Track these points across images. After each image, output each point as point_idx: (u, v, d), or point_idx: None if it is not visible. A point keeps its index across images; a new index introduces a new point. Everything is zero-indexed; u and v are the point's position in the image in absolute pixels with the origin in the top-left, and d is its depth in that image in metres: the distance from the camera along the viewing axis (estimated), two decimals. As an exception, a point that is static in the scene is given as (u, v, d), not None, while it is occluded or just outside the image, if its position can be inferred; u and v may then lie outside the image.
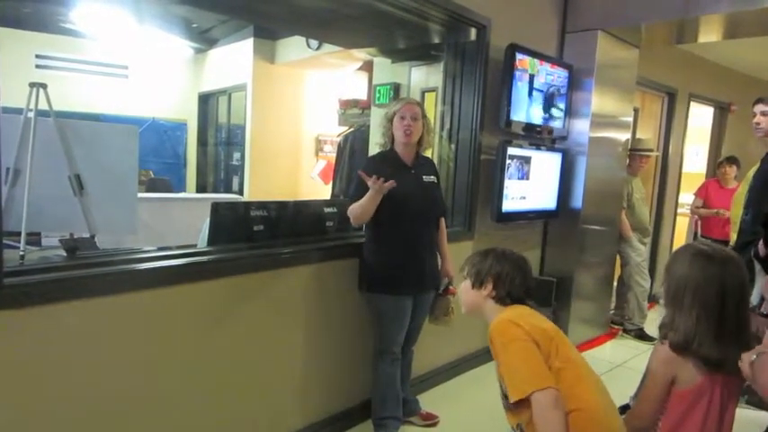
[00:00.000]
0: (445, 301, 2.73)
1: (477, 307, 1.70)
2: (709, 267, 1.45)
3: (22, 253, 1.82)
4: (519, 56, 3.38)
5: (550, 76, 3.66)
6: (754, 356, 1.30)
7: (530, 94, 3.51)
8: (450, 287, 2.73)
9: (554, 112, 3.75)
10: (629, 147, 4.40)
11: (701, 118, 6.12)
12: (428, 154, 3.09)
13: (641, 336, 4.38)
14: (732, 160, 4.83)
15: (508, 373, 1.46)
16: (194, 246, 2.38)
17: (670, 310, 1.50)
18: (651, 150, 4.65)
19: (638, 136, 4.98)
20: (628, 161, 4.41)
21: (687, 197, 5.57)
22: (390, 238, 2.48)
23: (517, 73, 3.39)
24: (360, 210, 2.37)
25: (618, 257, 4.48)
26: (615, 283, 4.59)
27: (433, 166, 2.74)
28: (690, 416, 1.45)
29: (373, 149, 2.65)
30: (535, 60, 3.51)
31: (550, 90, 3.68)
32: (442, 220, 2.74)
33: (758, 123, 2.62)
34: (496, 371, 1.56)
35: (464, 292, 1.75)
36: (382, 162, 2.50)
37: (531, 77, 3.51)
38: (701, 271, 1.45)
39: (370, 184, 2.28)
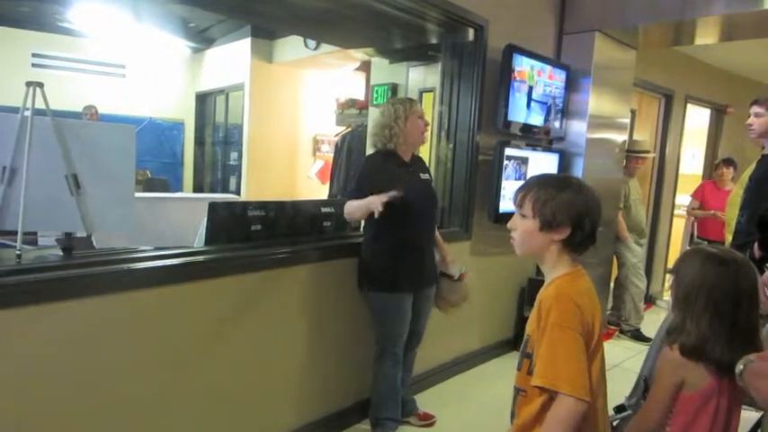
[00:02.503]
0: (463, 286, 2.76)
1: (538, 252, 1.38)
2: (723, 270, 1.43)
3: (18, 252, 1.82)
4: (518, 67, 3.38)
5: (548, 87, 3.67)
6: (741, 366, 1.31)
7: (528, 105, 3.52)
8: (463, 272, 2.75)
9: (552, 116, 3.76)
10: (626, 148, 4.41)
11: (697, 120, 6.14)
12: (425, 153, 3.10)
13: (637, 336, 4.39)
14: (729, 162, 4.85)
15: (550, 353, 1.27)
16: (191, 246, 2.38)
17: (680, 314, 1.47)
18: (647, 152, 4.66)
19: (634, 137, 4.99)
20: (624, 162, 4.42)
21: (684, 198, 5.59)
22: (394, 237, 2.49)
23: (516, 84, 3.39)
24: (355, 210, 2.41)
25: (614, 258, 4.49)
26: (612, 284, 4.61)
27: (425, 164, 2.76)
28: (698, 419, 1.44)
29: (371, 150, 2.66)
30: (533, 72, 3.50)
31: (549, 101, 3.69)
32: None
33: (751, 125, 2.63)
34: (531, 327, 1.37)
35: (526, 232, 1.37)
36: (386, 161, 2.50)
37: (530, 89, 3.52)
38: (716, 274, 1.43)
39: (383, 198, 2.27)
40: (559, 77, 3.78)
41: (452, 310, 2.79)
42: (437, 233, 2.76)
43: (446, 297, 2.74)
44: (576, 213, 1.32)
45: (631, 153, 4.44)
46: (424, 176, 2.63)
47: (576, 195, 1.33)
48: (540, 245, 1.37)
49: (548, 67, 3.68)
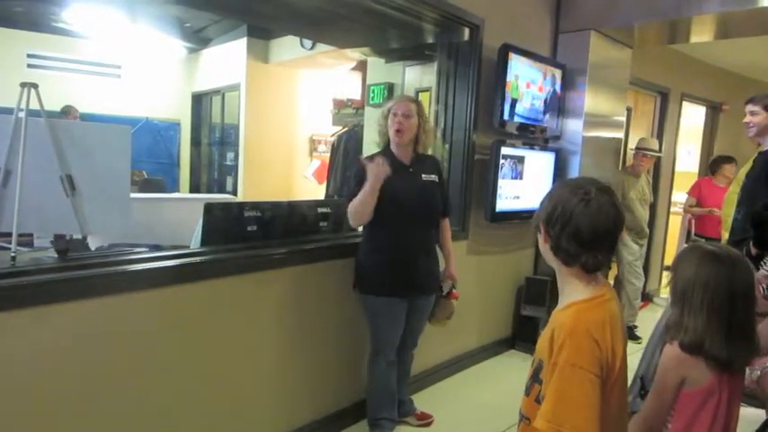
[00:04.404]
0: (449, 304, 2.69)
1: (547, 259, 1.32)
2: (718, 267, 1.45)
3: (13, 254, 1.81)
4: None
5: (537, 100, 3.60)
6: (758, 372, 1.32)
7: (511, 118, 3.45)
8: (454, 291, 2.69)
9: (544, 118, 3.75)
10: (635, 145, 4.41)
11: (693, 117, 6.15)
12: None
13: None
14: (729, 159, 4.85)
15: (559, 394, 1.19)
16: (187, 246, 2.37)
17: (677, 311, 1.49)
18: (655, 151, 4.61)
19: (643, 137, 4.97)
20: (631, 161, 4.41)
21: (680, 196, 5.60)
22: (383, 239, 2.46)
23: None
24: (359, 204, 2.32)
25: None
26: (611, 282, 4.62)
27: (436, 164, 2.66)
28: (700, 416, 1.45)
29: (367, 149, 2.64)
30: (518, 82, 3.43)
31: (533, 124, 3.63)
32: (446, 219, 2.69)
33: (749, 123, 2.64)
34: (542, 352, 1.26)
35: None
36: None
37: (514, 102, 3.42)
38: (711, 271, 1.45)
39: (370, 168, 2.23)
40: (550, 89, 3.71)
41: (436, 323, 2.73)
42: (449, 243, 2.69)
43: (432, 311, 2.68)
44: (546, 214, 1.26)
45: (639, 150, 4.43)
46: (428, 177, 2.53)
47: (556, 197, 1.25)
48: (543, 249, 1.32)
49: (539, 79, 3.59)
